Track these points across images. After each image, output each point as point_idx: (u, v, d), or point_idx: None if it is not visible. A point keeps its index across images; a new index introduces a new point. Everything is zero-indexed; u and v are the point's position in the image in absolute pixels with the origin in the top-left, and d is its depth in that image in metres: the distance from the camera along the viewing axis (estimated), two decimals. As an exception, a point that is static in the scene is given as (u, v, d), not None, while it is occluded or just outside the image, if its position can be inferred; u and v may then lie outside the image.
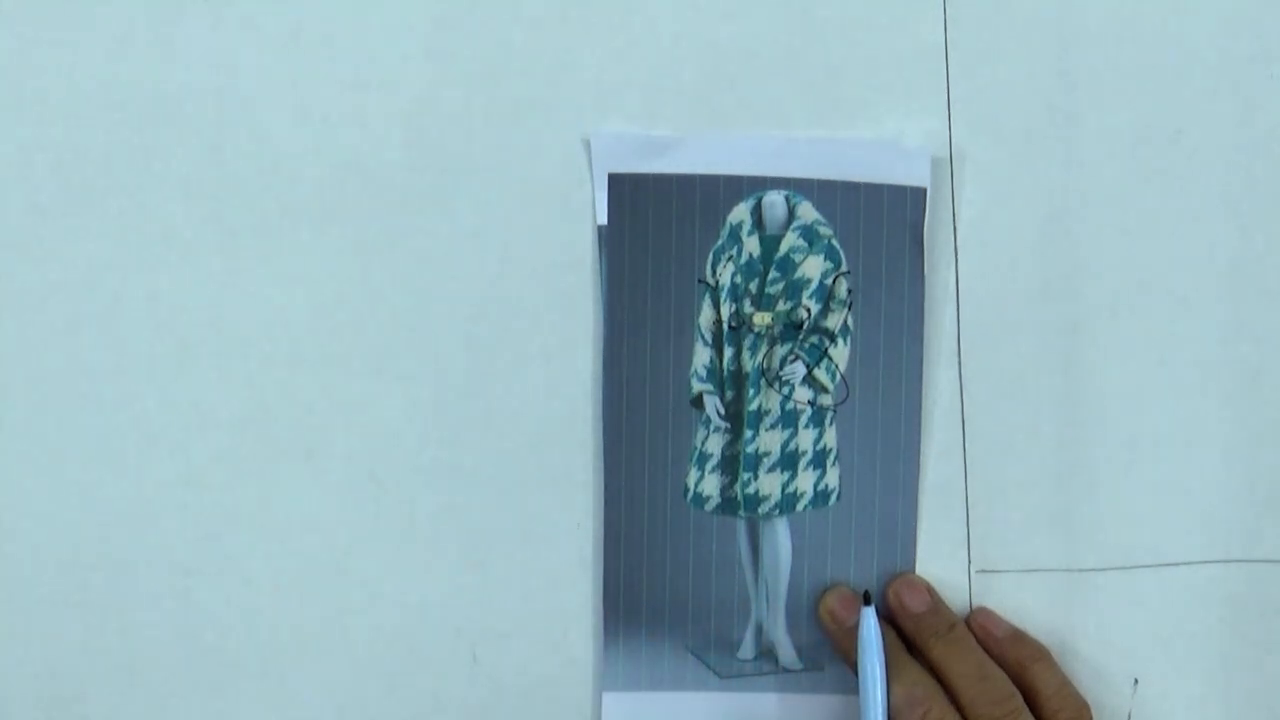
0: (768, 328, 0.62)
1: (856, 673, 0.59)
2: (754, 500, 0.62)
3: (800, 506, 0.62)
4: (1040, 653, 0.61)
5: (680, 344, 0.62)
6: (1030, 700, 0.59)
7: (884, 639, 0.60)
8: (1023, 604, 0.62)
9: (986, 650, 0.60)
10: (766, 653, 0.62)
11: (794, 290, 0.61)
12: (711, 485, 0.62)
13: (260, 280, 0.61)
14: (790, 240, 0.61)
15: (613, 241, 0.61)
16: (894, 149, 0.61)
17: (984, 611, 0.62)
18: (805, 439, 0.62)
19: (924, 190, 0.61)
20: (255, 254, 0.61)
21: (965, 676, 0.59)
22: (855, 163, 0.61)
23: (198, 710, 0.62)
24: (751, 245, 0.61)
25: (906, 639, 0.61)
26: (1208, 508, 0.62)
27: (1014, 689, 0.59)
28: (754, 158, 0.61)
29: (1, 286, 0.61)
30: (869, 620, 0.59)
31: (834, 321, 0.61)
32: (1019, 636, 0.61)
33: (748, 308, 0.61)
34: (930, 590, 0.61)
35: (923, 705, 0.58)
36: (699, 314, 0.62)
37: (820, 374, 0.62)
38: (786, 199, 0.61)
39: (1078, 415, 0.62)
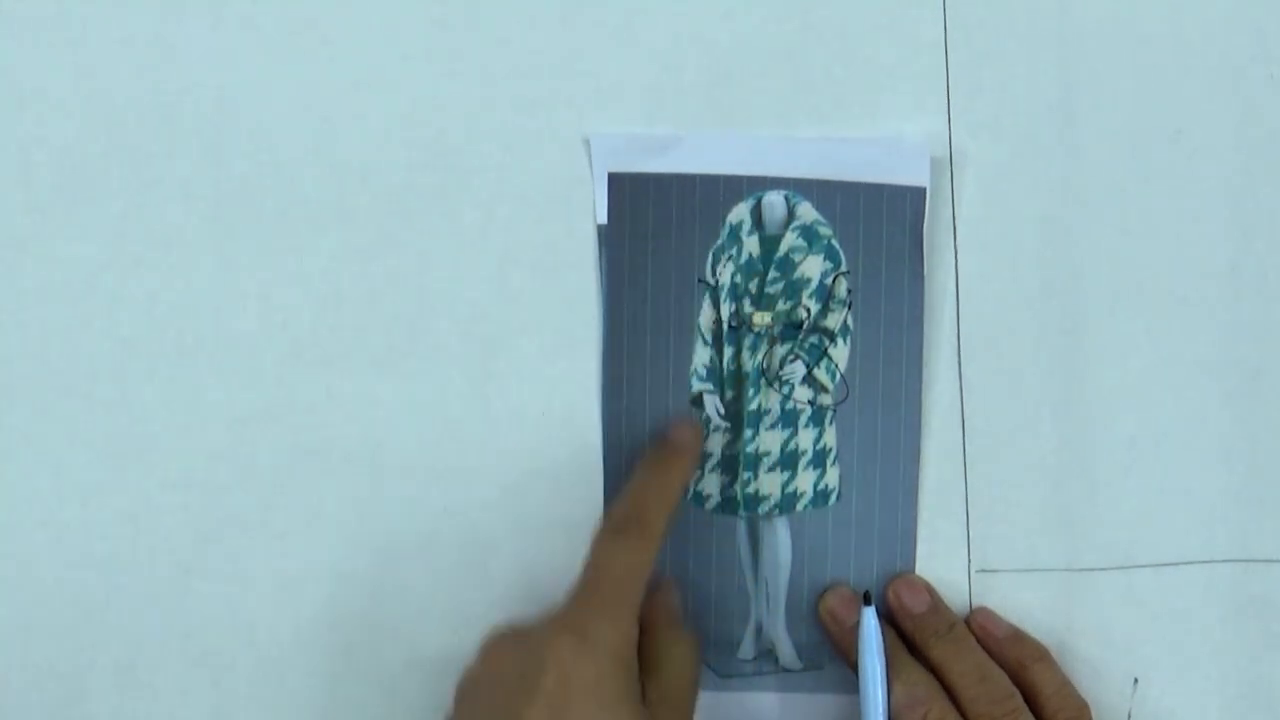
0: (768, 327, 0.62)
1: (857, 673, 0.59)
2: (754, 500, 0.62)
3: (800, 506, 0.62)
4: (1040, 652, 0.61)
5: (680, 344, 0.62)
6: (1030, 700, 0.59)
7: (884, 639, 0.60)
8: (1022, 604, 0.62)
9: (986, 650, 0.60)
10: (766, 652, 0.62)
11: (794, 290, 0.61)
12: (711, 485, 0.62)
13: (260, 280, 0.61)
14: (790, 240, 0.61)
15: (613, 241, 0.61)
16: (894, 149, 0.61)
17: (984, 611, 0.62)
18: (805, 439, 0.62)
19: (924, 190, 0.61)
20: (255, 254, 0.61)
21: (965, 676, 0.59)
22: (855, 163, 0.61)
23: (198, 710, 0.62)
24: (751, 245, 0.61)
25: (906, 639, 0.61)
26: (1208, 508, 0.62)
27: (1014, 689, 0.59)
28: (754, 158, 0.61)
29: (1, 286, 0.61)
30: (869, 620, 0.59)
31: (834, 321, 0.61)
32: (1019, 636, 0.61)
33: (748, 307, 0.61)
34: (930, 590, 0.61)
35: (923, 705, 0.58)
36: (699, 314, 0.62)
37: (820, 374, 0.62)
38: (786, 199, 0.61)
39: (1078, 415, 0.62)
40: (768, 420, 0.62)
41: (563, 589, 0.59)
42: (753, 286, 0.61)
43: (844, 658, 0.61)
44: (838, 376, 0.62)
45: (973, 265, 0.62)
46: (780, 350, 0.62)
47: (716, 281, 0.62)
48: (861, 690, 0.59)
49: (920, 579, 0.62)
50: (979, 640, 0.61)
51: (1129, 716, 0.63)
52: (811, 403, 0.62)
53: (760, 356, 0.62)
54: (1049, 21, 0.61)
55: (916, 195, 0.61)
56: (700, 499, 0.62)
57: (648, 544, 0.57)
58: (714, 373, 0.62)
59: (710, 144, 0.61)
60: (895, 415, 0.62)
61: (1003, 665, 0.60)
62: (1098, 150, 0.62)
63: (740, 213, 0.61)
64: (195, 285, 0.61)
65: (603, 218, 0.61)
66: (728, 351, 0.62)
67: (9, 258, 0.61)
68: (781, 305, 0.62)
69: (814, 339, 0.62)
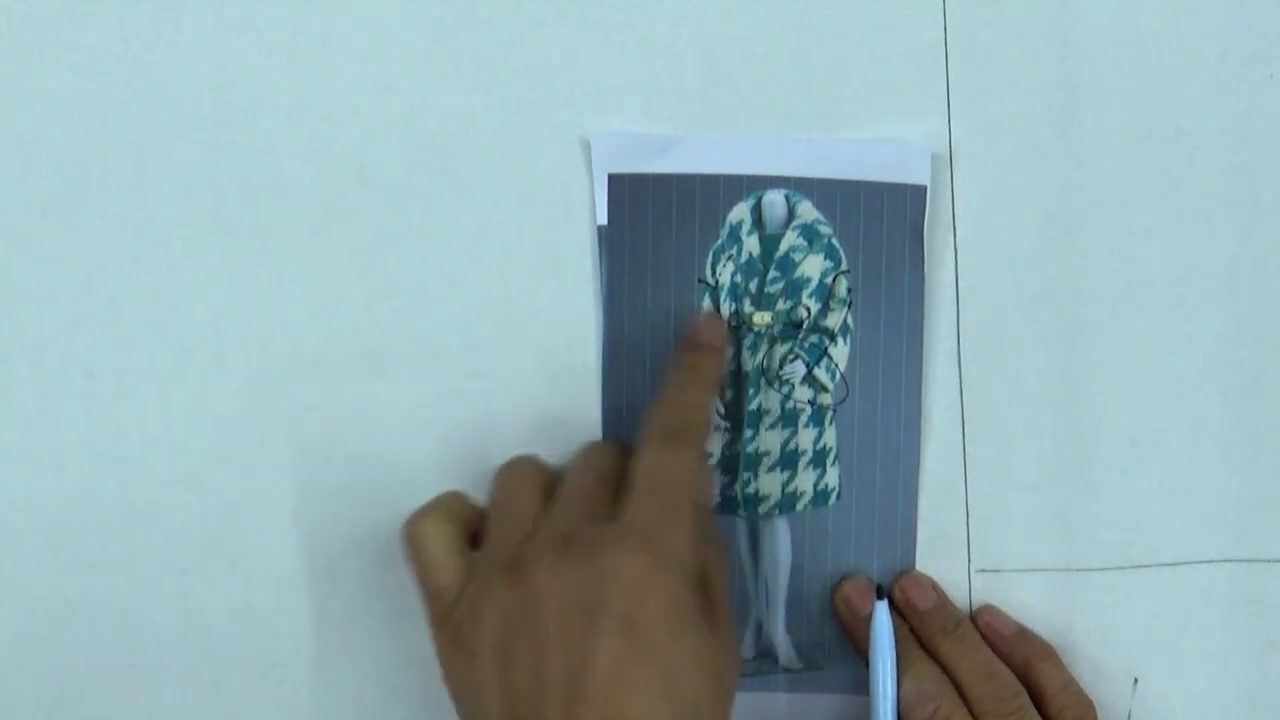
0: (768, 327, 0.62)
1: (868, 664, 0.59)
2: (754, 500, 0.62)
3: (800, 506, 0.62)
4: (1046, 651, 0.61)
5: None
6: (1035, 698, 0.59)
7: (896, 633, 0.59)
8: (1023, 603, 0.62)
9: (992, 648, 0.60)
10: (766, 653, 0.62)
11: (794, 289, 0.61)
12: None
13: (260, 280, 0.61)
14: (790, 239, 0.61)
15: (613, 241, 0.61)
16: (894, 148, 0.61)
17: (990, 609, 0.62)
18: (805, 438, 0.62)
19: (924, 189, 0.61)
20: (255, 254, 0.61)
21: (971, 673, 0.59)
22: (855, 162, 0.61)
23: (198, 710, 0.61)
24: (751, 244, 0.61)
25: (914, 635, 0.61)
26: (1208, 508, 0.62)
27: (1019, 686, 0.59)
28: (754, 157, 0.61)
29: (1, 286, 0.61)
30: (881, 614, 0.59)
31: (834, 320, 0.61)
32: (1025, 634, 0.61)
33: (747, 307, 0.61)
34: (936, 587, 0.61)
35: (933, 700, 0.58)
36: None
37: (820, 373, 0.62)
38: (786, 198, 0.61)
39: (1078, 415, 0.62)
40: (768, 420, 0.62)
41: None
42: (753, 286, 0.61)
43: (856, 648, 0.61)
44: (838, 376, 0.62)
45: (973, 265, 0.62)
46: (780, 350, 0.62)
47: (716, 281, 0.62)
48: (871, 684, 0.59)
49: (926, 576, 0.62)
50: (985, 638, 0.61)
51: (1129, 716, 0.63)
52: (811, 402, 0.62)
53: (760, 356, 0.62)
54: (1049, 21, 0.61)
55: (917, 194, 0.61)
56: (701, 498, 0.62)
57: (699, 449, 0.55)
58: (715, 372, 0.62)
59: (710, 144, 0.61)
60: (895, 415, 0.62)
61: (1008, 663, 0.60)
62: (1098, 150, 0.62)
63: (740, 212, 0.61)
64: (194, 285, 0.61)
65: (603, 218, 0.61)
66: (728, 351, 0.62)
67: (9, 258, 0.61)
68: (781, 305, 0.62)
69: (814, 338, 0.62)
